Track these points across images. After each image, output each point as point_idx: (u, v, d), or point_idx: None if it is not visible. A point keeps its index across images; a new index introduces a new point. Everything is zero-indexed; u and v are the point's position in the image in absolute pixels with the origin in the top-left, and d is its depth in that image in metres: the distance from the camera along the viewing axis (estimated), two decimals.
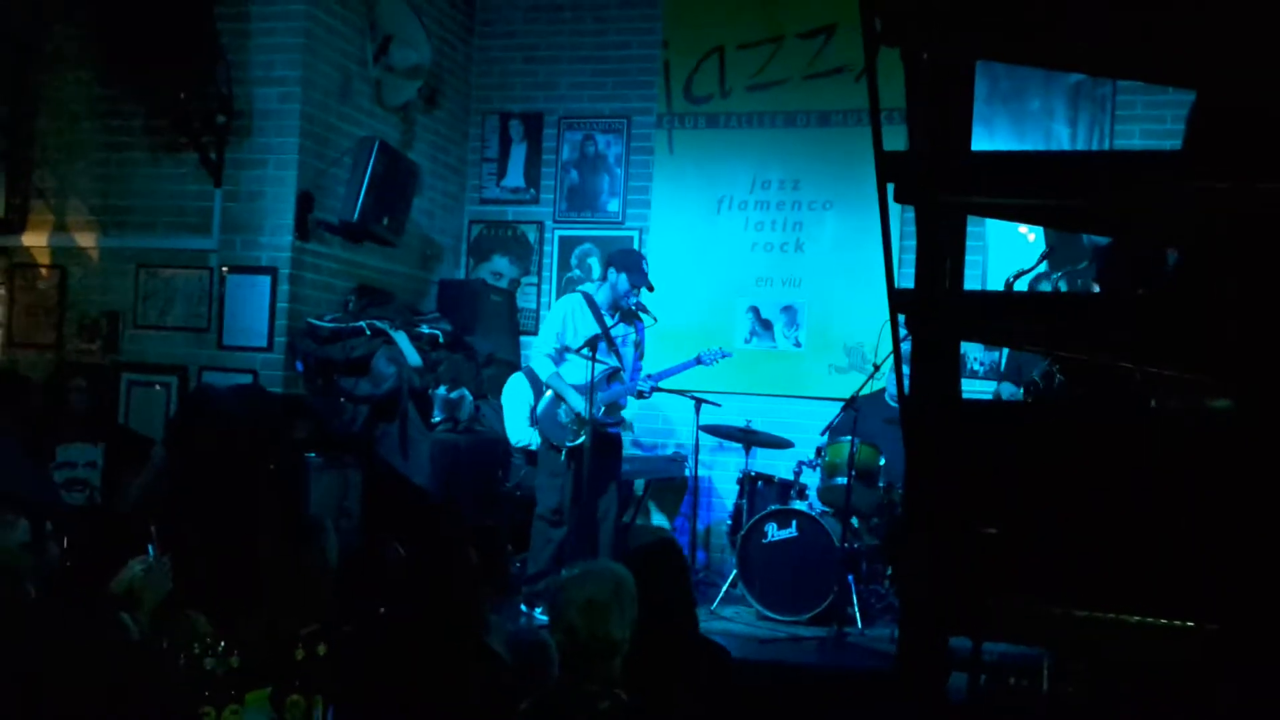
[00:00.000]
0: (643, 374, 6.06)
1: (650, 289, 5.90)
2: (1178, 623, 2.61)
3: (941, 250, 2.28)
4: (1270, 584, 2.40)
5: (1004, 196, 1.92)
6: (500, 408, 6.76)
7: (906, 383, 2.49)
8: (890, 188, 1.94)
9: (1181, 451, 2.28)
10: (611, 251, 6.56)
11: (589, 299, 5.96)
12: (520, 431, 6.57)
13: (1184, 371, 2.00)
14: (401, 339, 6.21)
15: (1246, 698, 2.54)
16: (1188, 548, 2.45)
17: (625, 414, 6.34)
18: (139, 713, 2.76)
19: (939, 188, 1.85)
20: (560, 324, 5.90)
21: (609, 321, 5.92)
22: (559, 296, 7.39)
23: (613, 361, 5.91)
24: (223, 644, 2.84)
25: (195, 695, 2.77)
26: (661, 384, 6.07)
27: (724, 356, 6.13)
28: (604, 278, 6.14)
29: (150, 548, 3.63)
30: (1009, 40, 1.65)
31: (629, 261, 5.96)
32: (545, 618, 4.92)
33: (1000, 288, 6.67)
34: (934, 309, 2.10)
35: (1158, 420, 2.45)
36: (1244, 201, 1.75)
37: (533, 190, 7.87)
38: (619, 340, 5.95)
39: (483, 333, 7.12)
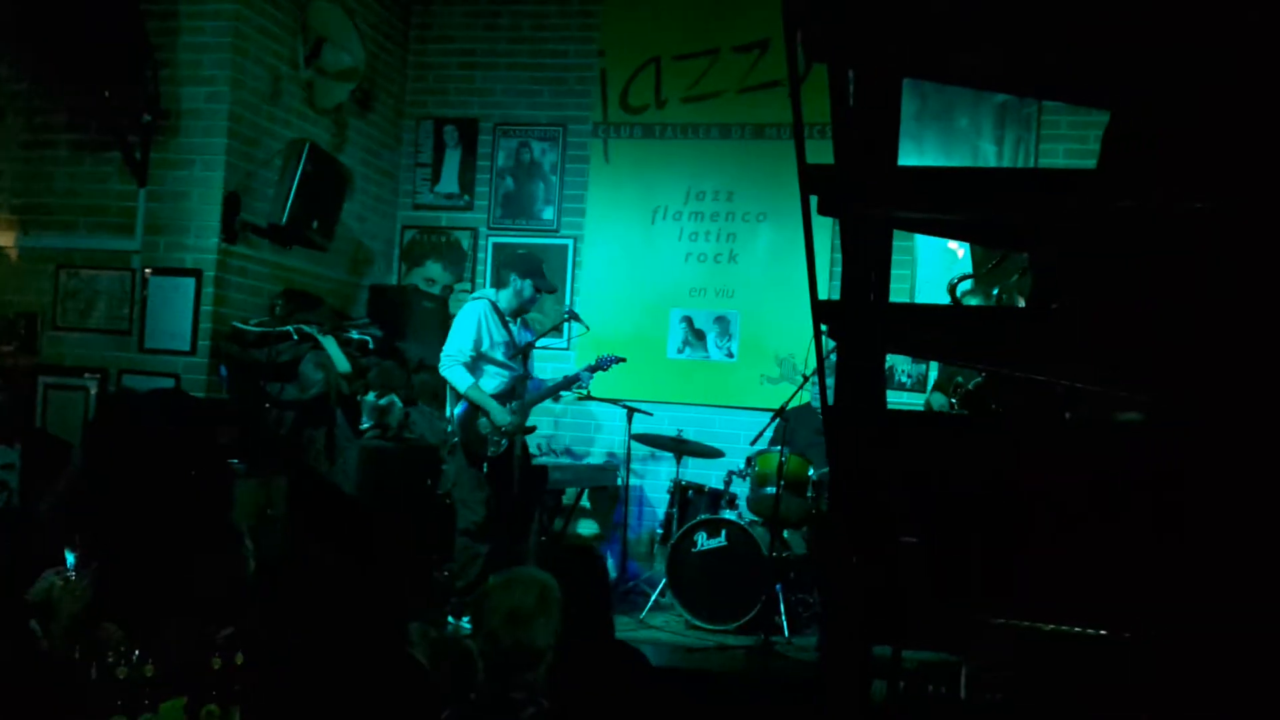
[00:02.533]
0: (543, 380, 6.07)
1: (554, 291, 5.91)
2: (1091, 631, 2.67)
3: (867, 263, 2.31)
4: (1181, 592, 2.46)
5: (926, 211, 1.95)
6: (429, 414, 6.70)
7: (831, 393, 2.51)
8: (814, 201, 1.96)
9: (1097, 461, 2.33)
10: (507, 257, 6.54)
11: (494, 305, 5.91)
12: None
13: (1096, 384, 2.05)
14: (330, 344, 6.13)
15: (1162, 703, 2.61)
16: (1100, 556, 2.50)
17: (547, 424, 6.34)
18: None
19: (862, 201, 1.88)
20: (476, 331, 5.80)
21: (513, 328, 5.92)
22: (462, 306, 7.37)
23: (519, 369, 5.90)
24: (136, 653, 2.78)
25: (108, 705, 2.71)
26: (596, 389, 6.10)
27: (617, 361, 6.11)
28: (500, 284, 6.03)
29: (70, 555, 3.54)
30: (932, 58, 1.69)
31: (530, 267, 5.93)
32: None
33: (928, 300, 6.78)
34: (857, 320, 2.12)
35: (1072, 431, 2.50)
36: (1153, 218, 1.80)
37: (467, 196, 7.83)
38: (523, 346, 5.94)
39: (414, 339, 7.06)
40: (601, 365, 6.04)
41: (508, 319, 5.90)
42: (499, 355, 5.83)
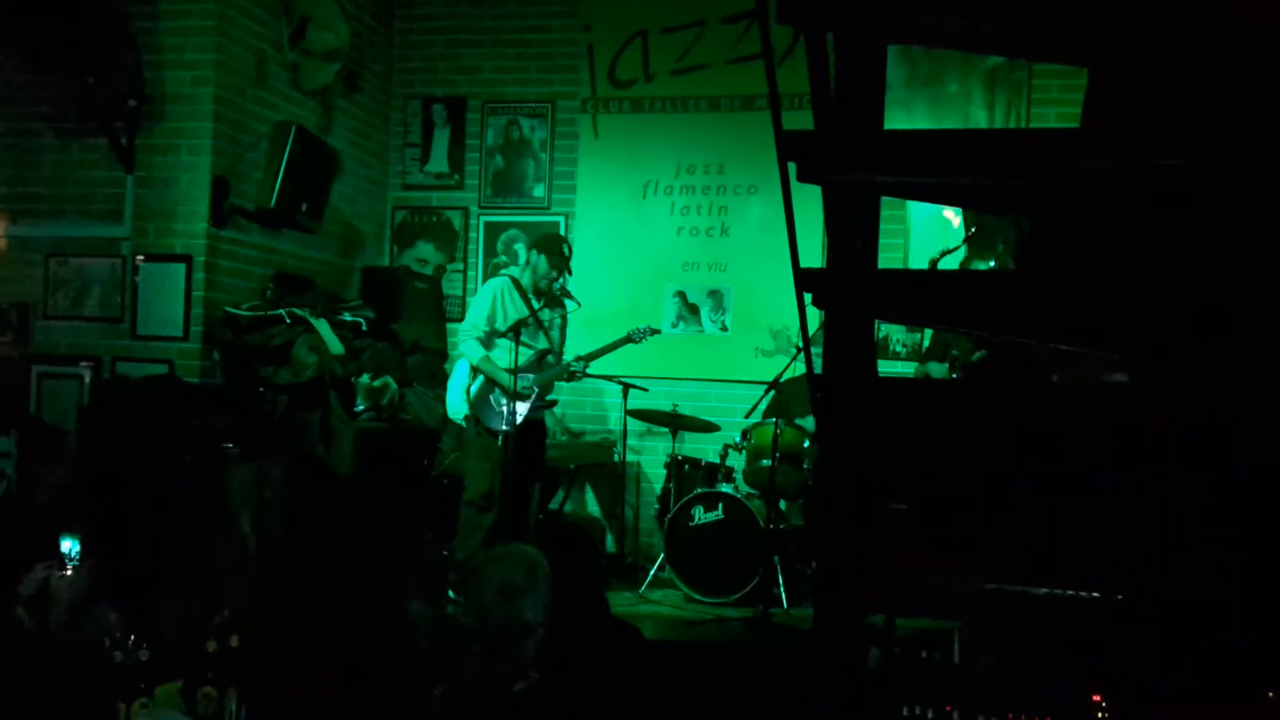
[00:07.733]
0: (571, 355, 6.08)
1: (568, 273, 5.90)
2: (1084, 594, 2.68)
3: (851, 229, 2.30)
4: (1172, 554, 2.47)
5: (903, 175, 1.94)
6: (424, 395, 6.70)
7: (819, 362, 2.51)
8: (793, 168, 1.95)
9: (1083, 425, 2.33)
10: (536, 236, 6.57)
11: (516, 282, 5.95)
12: (461, 407, 6.41)
13: (1078, 346, 2.04)
14: (323, 327, 6.12)
15: (1150, 662, 2.61)
16: (1092, 520, 2.51)
17: (553, 398, 6.35)
18: (46, 708, 2.71)
19: (839, 167, 1.86)
20: (489, 307, 5.86)
21: (535, 305, 5.92)
22: (485, 281, 7.36)
23: (542, 344, 5.93)
24: (132, 637, 2.79)
25: (104, 690, 2.72)
26: (592, 365, 6.08)
27: (652, 333, 6.19)
28: (527, 261, 6.11)
29: (69, 540, 3.55)
30: (902, 21, 1.68)
31: (548, 245, 5.98)
32: None
33: (923, 267, 6.76)
34: (840, 288, 2.12)
35: (1059, 396, 2.50)
36: (1131, 177, 1.79)
37: (457, 176, 7.80)
38: (546, 324, 5.95)
39: (408, 320, 7.05)
40: (633, 338, 6.09)
41: (530, 296, 5.91)
42: (521, 331, 5.78)
